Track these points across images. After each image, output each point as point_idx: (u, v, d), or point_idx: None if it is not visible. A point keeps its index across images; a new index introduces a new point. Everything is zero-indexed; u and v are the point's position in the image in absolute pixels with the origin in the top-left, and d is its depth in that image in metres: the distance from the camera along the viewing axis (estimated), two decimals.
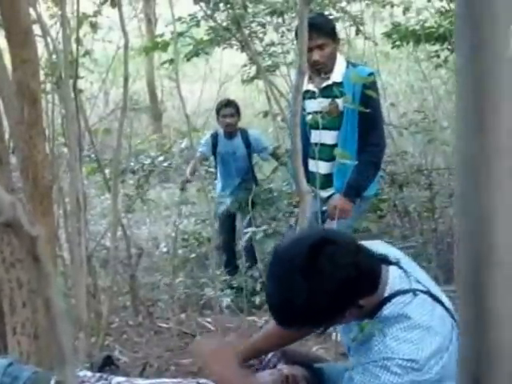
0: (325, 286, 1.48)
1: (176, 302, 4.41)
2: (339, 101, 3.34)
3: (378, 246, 1.72)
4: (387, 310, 1.56)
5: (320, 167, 3.35)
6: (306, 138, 3.33)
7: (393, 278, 1.60)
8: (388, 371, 1.49)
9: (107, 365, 2.14)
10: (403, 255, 1.77)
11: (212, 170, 5.71)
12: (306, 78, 3.34)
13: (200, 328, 3.73)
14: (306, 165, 3.26)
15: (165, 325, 3.82)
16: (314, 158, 3.34)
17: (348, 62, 3.47)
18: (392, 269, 1.63)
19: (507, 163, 0.48)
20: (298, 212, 3.80)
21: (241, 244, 5.15)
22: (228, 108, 5.17)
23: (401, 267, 1.65)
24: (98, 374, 1.84)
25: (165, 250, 6.02)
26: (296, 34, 3.52)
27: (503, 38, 0.49)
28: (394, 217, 5.17)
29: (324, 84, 3.41)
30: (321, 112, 3.20)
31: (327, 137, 3.37)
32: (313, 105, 3.43)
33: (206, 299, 4.43)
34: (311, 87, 3.47)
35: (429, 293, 1.61)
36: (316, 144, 3.20)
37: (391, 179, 5.12)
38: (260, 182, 5.44)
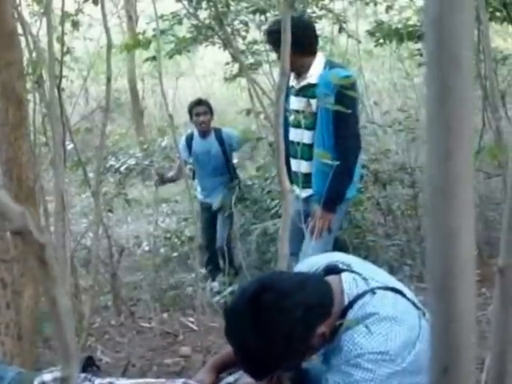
0: (273, 335, 1.50)
1: (158, 302, 4.43)
2: (313, 101, 3.37)
3: (324, 259, 1.76)
4: (350, 315, 1.58)
5: (301, 166, 3.44)
6: (286, 136, 3.35)
7: (348, 285, 1.61)
8: (360, 368, 1.50)
9: (89, 366, 2.15)
10: (355, 259, 1.81)
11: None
12: (292, 74, 3.44)
13: (182, 328, 3.75)
14: (288, 163, 3.26)
15: (147, 324, 3.83)
16: (294, 157, 3.44)
17: (327, 63, 3.48)
18: (344, 276, 1.65)
19: (468, 187, 0.56)
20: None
21: (219, 241, 5.19)
22: (200, 106, 5.19)
23: (353, 271, 1.67)
24: (82, 375, 1.86)
25: (147, 248, 6.03)
26: (268, 36, 3.60)
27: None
28: (378, 215, 5.21)
29: (301, 84, 3.46)
30: (302, 111, 3.29)
31: (305, 136, 3.42)
32: (294, 102, 3.48)
33: (189, 298, 4.46)
34: (294, 84, 3.51)
35: (388, 288, 1.63)
36: (298, 143, 3.31)
37: (375, 177, 5.16)
38: (244, 180, 5.46)
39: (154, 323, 3.76)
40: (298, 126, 3.36)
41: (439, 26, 0.53)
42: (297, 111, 3.41)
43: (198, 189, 5.47)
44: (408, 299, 1.64)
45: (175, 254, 5.59)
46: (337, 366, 1.57)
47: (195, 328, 3.73)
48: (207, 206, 5.34)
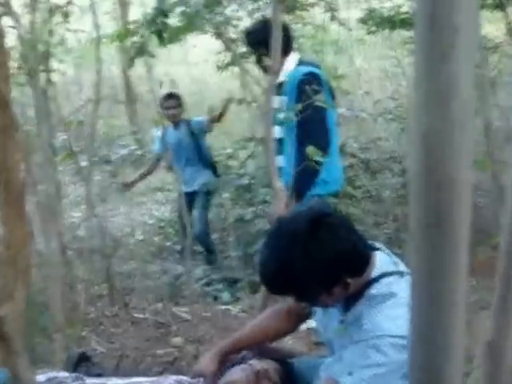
0: (322, 255, 1.54)
1: (151, 292, 4.45)
2: (284, 98, 3.35)
3: None
4: (374, 289, 1.62)
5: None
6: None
7: (379, 261, 1.66)
8: (378, 351, 1.52)
9: (82, 361, 2.18)
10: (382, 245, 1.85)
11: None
12: None
13: (175, 318, 3.78)
14: None
15: (141, 315, 3.86)
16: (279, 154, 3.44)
17: (299, 61, 3.51)
18: (379, 253, 1.70)
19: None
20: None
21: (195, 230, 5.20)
22: (171, 100, 5.33)
23: (386, 253, 1.72)
24: (73, 374, 1.88)
25: (141, 237, 6.05)
26: (246, 38, 3.71)
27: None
28: (368, 203, 5.24)
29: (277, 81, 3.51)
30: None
31: (278, 132, 3.33)
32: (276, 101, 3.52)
33: (181, 289, 4.48)
34: None
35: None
36: (279, 139, 3.25)
37: (365, 166, 5.18)
38: (234, 168, 5.52)
39: (148, 314, 3.79)
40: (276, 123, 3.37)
41: (430, 147, 0.49)
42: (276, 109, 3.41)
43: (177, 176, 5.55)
44: None
45: (169, 244, 5.61)
46: (354, 344, 1.60)
47: (188, 318, 3.76)
48: (184, 193, 5.40)
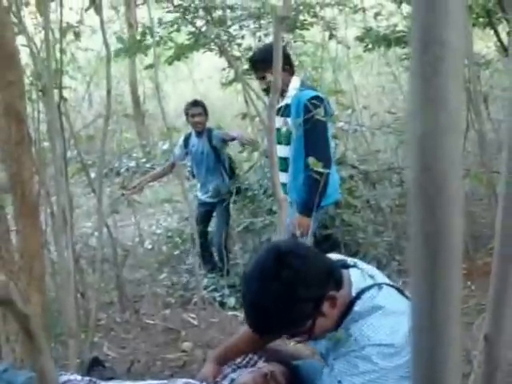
0: (292, 292, 1.52)
1: (160, 299, 4.43)
2: (289, 120, 3.58)
3: (333, 256, 1.78)
4: (357, 306, 1.59)
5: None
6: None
7: (356, 279, 1.64)
8: (366, 360, 1.51)
9: (95, 365, 2.16)
10: (357, 260, 1.83)
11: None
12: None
13: (184, 324, 3.76)
14: None
15: (151, 321, 3.84)
16: (282, 171, 3.58)
17: (301, 84, 3.69)
18: (352, 271, 1.67)
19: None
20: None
21: (214, 240, 5.18)
22: (196, 108, 5.21)
23: (359, 268, 1.70)
24: (87, 378, 1.86)
25: (149, 247, 6.02)
26: (250, 62, 3.97)
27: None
28: (368, 213, 5.21)
29: (279, 105, 3.64)
30: (280, 129, 3.59)
31: (282, 150, 3.57)
32: (277, 122, 3.64)
33: (189, 296, 4.46)
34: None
35: (390, 285, 1.66)
36: (284, 158, 3.56)
37: (365, 177, 5.17)
38: (240, 178, 5.46)
39: (157, 320, 3.77)
40: (278, 142, 3.53)
41: (424, 150, 0.52)
42: (277, 129, 3.58)
43: (198, 186, 5.52)
44: (406, 297, 1.66)
45: (176, 252, 5.59)
46: (343, 355, 1.58)
47: (196, 324, 3.74)
48: (202, 202, 5.38)
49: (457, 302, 0.54)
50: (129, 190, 5.32)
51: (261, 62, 3.69)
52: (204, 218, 5.40)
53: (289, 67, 3.67)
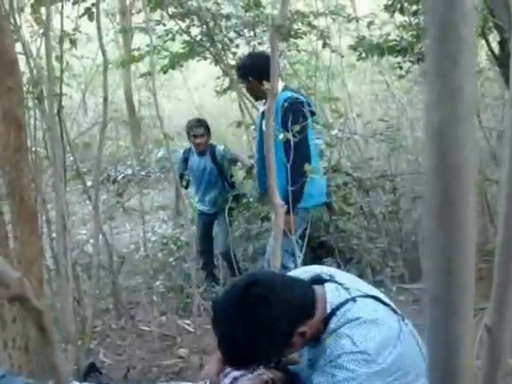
0: (260, 326, 1.53)
1: (156, 305, 4.42)
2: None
3: (309, 271, 1.80)
4: (333, 323, 1.60)
5: None
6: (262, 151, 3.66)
7: (331, 294, 1.64)
8: (342, 368, 1.51)
9: (91, 371, 2.15)
10: (338, 270, 1.85)
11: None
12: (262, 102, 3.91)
13: (180, 330, 3.75)
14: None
15: (146, 328, 3.83)
16: None
17: (283, 88, 3.77)
18: (327, 286, 1.68)
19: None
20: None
21: (218, 248, 5.16)
22: (198, 128, 5.05)
23: (335, 281, 1.70)
24: None
25: (144, 254, 6.01)
26: (238, 70, 4.14)
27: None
28: (361, 219, 5.23)
29: (261, 109, 3.85)
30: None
31: None
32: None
33: (185, 302, 4.45)
34: (263, 108, 3.84)
35: (368, 295, 1.66)
36: None
37: (358, 184, 5.18)
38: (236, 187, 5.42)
39: (153, 326, 3.76)
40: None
41: (440, 137, 0.53)
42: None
43: (196, 198, 5.44)
44: (387, 305, 1.67)
45: (171, 259, 5.57)
46: (321, 367, 1.59)
47: (192, 330, 3.73)
48: (203, 214, 5.31)
49: (471, 275, 0.55)
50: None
51: (248, 67, 3.89)
52: (205, 230, 5.34)
53: (267, 76, 3.77)
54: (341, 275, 1.77)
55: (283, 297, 1.57)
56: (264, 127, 3.74)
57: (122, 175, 5.35)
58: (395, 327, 1.58)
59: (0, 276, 0.53)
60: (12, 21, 2.90)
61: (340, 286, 1.67)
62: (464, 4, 0.52)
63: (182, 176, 5.32)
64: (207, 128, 5.10)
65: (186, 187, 5.49)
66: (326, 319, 1.61)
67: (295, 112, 3.50)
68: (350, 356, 1.51)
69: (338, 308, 1.61)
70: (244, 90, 5.42)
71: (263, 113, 3.66)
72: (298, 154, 3.37)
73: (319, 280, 1.71)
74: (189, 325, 3.83)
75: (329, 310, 1.62)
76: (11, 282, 0.54)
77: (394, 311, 1.66)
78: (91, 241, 4.86)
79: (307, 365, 1.74)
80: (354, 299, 1.62)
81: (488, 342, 0.81)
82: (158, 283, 5.16)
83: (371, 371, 1.49)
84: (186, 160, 5.27)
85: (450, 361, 0.57)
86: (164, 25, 5.54)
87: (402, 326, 1.60)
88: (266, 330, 1.54)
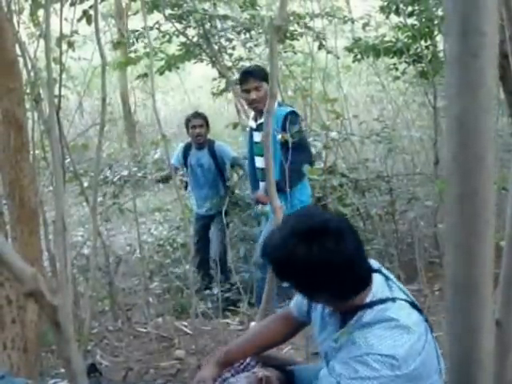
0: (316, 264, 1.51)
1: (153, 307, 4.42)
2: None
3: None
4: (369, 316, 1.60)
5: (259, 162, 4.19)
6: (252, 163, 4.28)
7: (376, 285, 1.65)
8: (367, 366, 1.52)
9: (91, 372, 2.15)
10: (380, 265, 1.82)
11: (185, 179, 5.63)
12: (251, 117, 4.25)
13: (177, 331, 3.75)
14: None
15: (143, 329, 3.83)
16: (262, 180, 4.04)
17: (278, 103, 4.00)
18: (376, 276, 1.68)
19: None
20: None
21: (213, 251, 5.15)
22: (196, 119, 5.04)
23: (384, 275, 1.71)
24: None
25: (139, 255, 6.01)
26: (240, 80, 4.19)
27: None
28: (357, 220, 5.24)
29: (259, 121, 4.04)
30: (257, 143, 4.02)
31: (261, 162, 4.05)
32: (256, 136, 4.12)
33: (181, 303, 4.45)
34: (253, 124, 4.17)
35: (406, 300, 1.66)
36: (261, 168, 3.94)
37: (354, 185, 5.19)
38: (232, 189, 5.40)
39: (150, 328, 3.76)
40: (259, 154, 4.12)
41: (462, 128, 0.55)
42: (257, 143, 4.12)
43: (194, 200, 5.39)
44: (421, 313, 1.67)
45: (168, 261, 5.58)
46: (345, 358, 1.59)
47: (189, 332, 3.73)
48: (200, 216, 5.26)
49: (490, 263, 0.57)
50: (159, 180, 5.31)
51: (258, 72, 4.02)
52: (202, 233, 5.27)
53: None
54: (386, 271, 1.77)
55: (357, 252, 1.56)
56: (256, 139, 4.07)
57: (118, 176, 5.34)
58: (423, 336, 1.59)
59: (14, 272, 0.54)
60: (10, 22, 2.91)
61: (386, 281, 1.68)
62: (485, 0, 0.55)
63: (176, 170, 5.31)
64: (205, 120, 5.09)
65: (186, 188, 5.48)
66: (362, 307, 1.62)
67: (297, 123, 3.86)
68: (378, 357, 1.51)
69: (377, 303, 1.61)
70: (239, 93, 5.46)
71: (261, 125, 3.85)
72: (302, 156, 3.69)
73: (371, 268, 1.69)
74: (186, 326, 3.83)
75: (368, 300, 1.62)
76: (26, 278, 0.54)
77: (425, 319, 1.66)
78: (88, 242, 4.88)
79: (331, 349, 1.72)
80: (393, 299, 1.62)
81: (496, 335, 0.82)
82: (154, 285, 5.18)
83: (393, 374, 1.50)
84: (185, 156, 5.21)
85: (470, 347, 0.58)
86: (158, 29, 5.55)
87: (429, 336, 1.61)
88: (320, 272, 1.52)
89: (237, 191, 5.38)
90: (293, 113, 3.94)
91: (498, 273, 0.85)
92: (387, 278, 1.70)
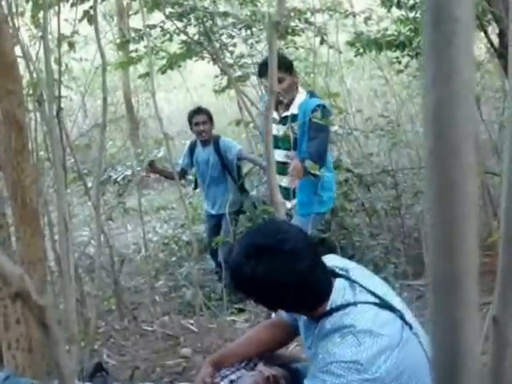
0: (272, 275, 1.55)
1: (159, 305, 4.44)
2: (295, 127, 3.78)
3: (329, 260, 1.77)
4: (329, 324, 1.60)
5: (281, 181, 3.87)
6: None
7: (337, 292, 1.64)
8: (332, 374, 1.51)
9: (98, 371, 2.17)
10: (354, 264, 1.83)
11: (190, 177, 5.59)
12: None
13: (183, 330, 3.77)
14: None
15: (149, 328, 3.85)
16: (280, 174, 3.78)
17: (308, 93, 3.91)
18: (338, 282, 1.67)
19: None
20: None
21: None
22: (200, 115, 4.95)
23: (348, 278, 1.69)
24: None
25: (145, 254, 6.03)
26: (259, 72, 4.01)
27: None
28: (363, 216, 5.24)
29: (284, 114, 3.88)
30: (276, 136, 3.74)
31: (279, 155, 3.85)
32: (277, 130, 3.90)
33: (187, 301, 4.47)
34: (275, 116, 3.92)
35: (373, 302, 1.64)
36: (281, 162, 3.79)
37: (359, 180, 5.19)
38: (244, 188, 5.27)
39: (156, 326, 3.78)
40: (276, 147, 3.78)
41: (437, 118, 0.55)
42: (275, 136, 3.75)
43: (203, 198, 5.31)
44: (393, 311, 1.64)
45: (173, 259, 5.60)
46: (312, 372, 1.60)
47: (195, 330, 3.75)
48: (210, 215, 5.17)
49: (473, 256, 0.57)
50: (148, 173, 5.14)
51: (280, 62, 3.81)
52: (214, 231, 5.13)
53: (296, 78, 3.95)
54: (356, 271, 1.76)
55: (303, 280, 1.57)
56: (276, 132, 3.84)
57: (122, 176, 5.35)
58: (396, 336, 1.56)
59: (1, 272, 0.55)
60: (11, 24, 2.93)
61: (350, 285, 1.66)
62: None
63: (184, 173, 5.26)
64: (209, 116, 4.99)
65: (195, 188, 5.42)
66: (323, 316, 1.62)
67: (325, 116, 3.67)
68: (342, 364, 1.50)
69: (337, 309, 1.61)
70: (244, 89, 5.46)
71: (285, 118, 3.82)
72: (321, 155, 3.65)
73: (333, 273, 1.69)
74: (192, 324, 3.85)
75: (328, 308, 1.62)
76: (13, 279, 0.55)
77: (401, 316, 1.63)
78: (92, 242, 4.90)
79: (308, 353, 1.75)
80: (355, 304, 1.61)
81: (493, 332, 0.82)
82: (160, 283, 5.20)
83: (362, 378, 1.48)
84: (191, 154, 5.14)
85: (454, 346, 0.58)
86: (161, 28, 5.55)
87: (404, 333, 1.58)
88: (266, 290, 1.57)
89: (253, 192, 5.30)
90: (322, 106, 3.76)
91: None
92: (352, 282, 1.68)
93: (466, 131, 0.54)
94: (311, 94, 3.92)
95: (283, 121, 3.88)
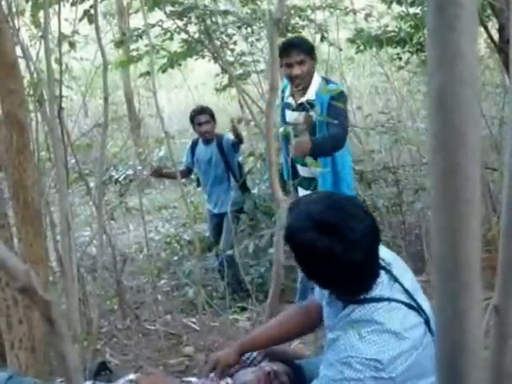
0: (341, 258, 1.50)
1: (161, 304, 4.45)
2: (313, 114, 3.55)
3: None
4: (359, 313, 1.59)
5: (303, 171, 3.83)
6: (286, 145, 3.79)
7: (376, 283, 1.62)
8: (351, 368, 1.51)
9: (102, 370, 2.17)
10: (396, 257, 1.77)
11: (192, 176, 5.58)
12: (288, 91, 3.82)
13: (185, 328, 3.77)
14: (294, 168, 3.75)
15: (152, 327, 3.85)
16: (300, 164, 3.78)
17: (323, 79, 3.74)
18: (380, 273, 1.64)
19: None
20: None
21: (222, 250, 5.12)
22: (202, 115, 4.93)
23: (388, 271, 1.66)
24: (91, 383, 1.88)
25: (148, 253, 6.04)
26: (280, 52, 3.73)
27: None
28: None
29: (300, 100, 3.69)
30: (293, 124, 3.51)
31: None
32: (292, 116, 3.76)
33: (189, 300, 4.48)
34: (291, 100, 3.79)
35: (404, 302, 1.62)
36: None
37: (360, 177, 5.19)
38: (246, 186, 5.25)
39: (158, 325, 3.78)
40: (295, 136, 3.53)
41: (441, 102, 0.55)
42: (295, 124, 3.56)
43: (205, 196, 5.31)
44: (421, 315, 1.62)
45: (175, 258, 5.60)
46: (329, 360, 1.59)
47: (197, 328, 3.75)
48: (213, 214, 5.16)
49: (477, 241, 0.57)
50: (151, 173, 5.05)
51: (303, 44, 3.66)
52: (217, 231, 5.15)
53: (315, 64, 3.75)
54: (398, 265, 1.72)
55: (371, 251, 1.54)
56: (290, 119, 3.73)
57: (124, 175, 5.36)
58: (418, 341, 1.56)
59: (7, 268, 0.55)
60: (11, 24, 2.93)
61: (389, 280, 1.64)
62: None
63: (189, 171, 5.25)
64: (212, 115, 4.97)
65: (198, 185, 5.41)
66: (355, 301, 1.61)
67: (341, 101, 3.47)
68: (363, 360, 1.50)
69: (370, 301, 1.59)
70: (245, 87, 5.46)
71: (301, 105, 3.65)
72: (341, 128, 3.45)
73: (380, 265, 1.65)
74: (194, 323, 3.85)
75: (362, 297, 1.60)
76: (18, 274, 0.56)
77: (426, 320, 1.61)
78: (94, 242, 4.91)
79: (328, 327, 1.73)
80: (389, 300, 1.59)
81: (495, 321, 0.82)
82: (162, 282, 5.21)
83: (377, 376, 1.49)
84: (193, 152, 5.13)
85: (458, 331, 0.58)
86: (161, 26, 5.55)
87: (425, 339, 1.58)
88: (325, 264, 1.52)
89: (254, 191, 5.29)
90: (341, 91, 3.58)
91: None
92: (391, 276, 1.65)
93: (470, 115, 0.54)
94: (326, 79, 3.80)
95: (300, 107, 3.72)
